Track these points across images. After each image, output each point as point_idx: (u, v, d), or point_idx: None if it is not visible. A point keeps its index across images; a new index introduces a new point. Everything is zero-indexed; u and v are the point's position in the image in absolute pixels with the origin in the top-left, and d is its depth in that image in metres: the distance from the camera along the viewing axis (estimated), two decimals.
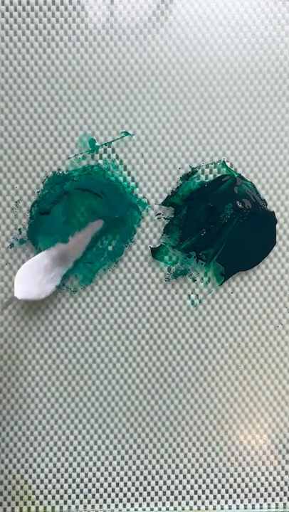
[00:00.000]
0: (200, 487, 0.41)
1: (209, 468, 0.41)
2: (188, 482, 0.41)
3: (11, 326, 0.40)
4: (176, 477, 0.41)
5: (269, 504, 0.41)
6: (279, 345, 0.41)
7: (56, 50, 0.39)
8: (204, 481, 0.41)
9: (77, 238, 0.39)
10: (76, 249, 0.39)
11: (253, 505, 0.41)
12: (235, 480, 0.41)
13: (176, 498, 0.41)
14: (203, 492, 0.41)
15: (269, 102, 0.39)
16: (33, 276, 0.37)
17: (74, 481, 0.40)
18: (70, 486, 0.40)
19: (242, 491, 0.41)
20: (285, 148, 0.40)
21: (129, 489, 0.41)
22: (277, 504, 0.41)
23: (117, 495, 0.41)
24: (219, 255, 0.39)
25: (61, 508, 0.40)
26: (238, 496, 0.41)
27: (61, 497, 0.40)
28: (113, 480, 0.41)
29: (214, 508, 0.41)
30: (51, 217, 0.39)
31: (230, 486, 0.41)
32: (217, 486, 0.41)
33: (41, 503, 0.40)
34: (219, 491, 0.41)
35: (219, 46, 0.39)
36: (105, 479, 0.41)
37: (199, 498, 0.41)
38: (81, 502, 0.40)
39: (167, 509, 0.41)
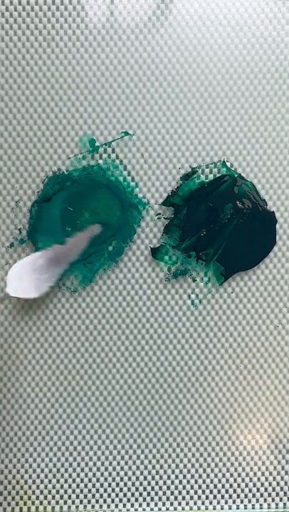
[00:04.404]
0: (200, 487, 0.41)
1: (209, 468, 0.41)
2: (188, 482, 0.41)
3: (10, 325, 0.40)
4: (176, 477, 0.41)
5: (269, 504, 0.41)
6: (279, 345, 0.41)
7: (56, 50, 0.39)
8: (204, 481, 0.41)
9: (75, 240, 0.39)
10: (73, 251, 0.39)
11: (253, 505, 0.41)
12: (235, 480, 0.41)
13: (176, 498, 0.41)
14: (203, 492, 0.41)
15: (269, 102, 0.39)
16: (27, 275, 0.37)
17: (74, 481, 0.40)
18: (70, 486, 0.40)
19: (242, 491, 0.41)
20: (285, 148, 0.40)
21: (129, 489, 0.41)
22: (277, 504, 0.41)
23: (117, 495, 0.41)
24: (219, 255, 0.39)
25: (61, 508, 0.40)
26: (238, 496, 0.41)
27: (61, 497, 0.40)
28: (113, 480, 0.41)
29: (214, 508, 0.41)
30: (51, 216, 0.39)
31: (230, 486, 0.41)
32: (217, 486, 0.41)
33: (41, 503, 0.40)
34: (219, 491, 0.41)
35: (219, 46, 0.39)
36: (105, 479, 0.41)
37: (199, 498, 0.41)
38: (81, 502, 0.40)
39: (167, 509, 0.41)
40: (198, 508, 0.41)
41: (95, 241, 0.39)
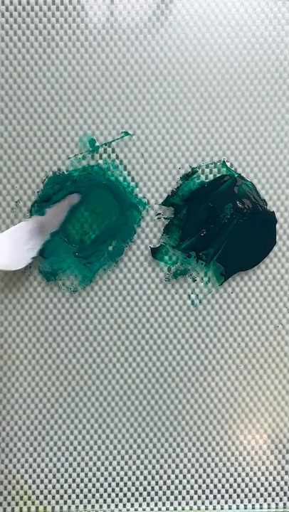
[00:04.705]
0: (200, 487, 0.41)
1: (209, 468, 0.41)
2: (188, 482, 0.41)
3: (10, 325, 0.40)
4: (176, 477, 0.41)
5: (269, 504, 0.41)
6: (279, 345, 0.41)
7: (56, 50, 0.39)
8: (204, 481, 0.41)
9: (54, 210, 0.39)
10: (53, 221, 0.39)
11: (253, 505, 0.41)
12: (235, 480, 0.41)
13: (176, 498, 0.41)
14: (203, 492, 0.41)
15: (269, 102, 0.40)
16: (8, 247, 0.37)
17: (74, 481, 0.40)
18: (70, 486, 0.40)
19: (242, 491, 0.41)
20: (285, 148, 0.40)
21: (129, 489, 0.41)
22: (277, 504, 0.41)
23: (117, 495, 0.41)
24: (219, 255, 0.39)
25: (61, 508, 0.40)
26: (238, 496, 0.41)
27: (61, 497, 0.40)
28: (113, 480, 0.41)
29: (214, 508, 0.41)
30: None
31: (230, 486, 0.41)
32: (217, 486, 0.41)
33: (41, 503, 0.40)
34: (219, 491, 0.41)
35: (219, 46, 0.39)
36: (105, 479, 0.41)
37: (199, 498, 0.41)
38: (81, 502, 0.40)
39: (167, 509, 0.41)
40: (198, 508, 0.41)
41: (73, 211, 0.39)
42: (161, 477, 0.41)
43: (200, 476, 0.41)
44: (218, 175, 0.40)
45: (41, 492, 0.40)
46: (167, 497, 0.41)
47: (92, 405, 0.40)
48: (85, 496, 0.40)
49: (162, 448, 0.41)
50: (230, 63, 0.39)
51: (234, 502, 0.41)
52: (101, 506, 0.40)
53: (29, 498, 0.40)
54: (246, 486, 0.41)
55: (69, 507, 0.40)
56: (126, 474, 0.41)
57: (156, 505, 0.41)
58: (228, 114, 0.39)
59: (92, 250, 0.39)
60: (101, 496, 0.40)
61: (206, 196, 0.39)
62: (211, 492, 0.41)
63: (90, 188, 0.39)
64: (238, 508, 0.41)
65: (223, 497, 0.41)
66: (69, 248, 0.39)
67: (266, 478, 0.41)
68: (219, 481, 0.41)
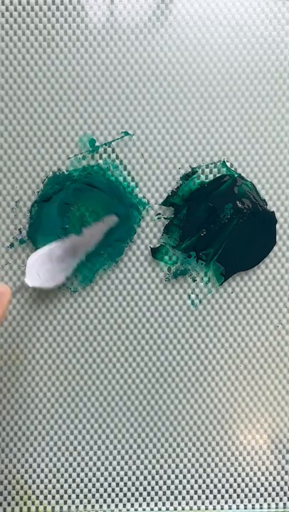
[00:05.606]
0: (200, 487, 0.41)
1: (209, 468, 0.41)
2: (188, 482, 0.41)
3: (10, 325, 0.40)
4: (176, 477, 0.41)
5: (269, 504, 0.41)
6: (279, 345, 0.41)
7: (56, 50, 0.39)
8: (204, 481, 0.41)
9: (91, 231, 0.39)
10: (89, 241, 0.39)
11: (253, 505, 0.41)
12: (235, 480, 0.41)
13: (176, 498, 0.41)
14: (203, 492, 0.41)
15: (269, 102, 0.40)
16: (44, 265, 0.37)
17: (74, 481, 0.40)
18: (70, 486, 0.40)
19: (242, 491, 0.41)
20: (285, 148, 0.40)
21: (129, 489, 0.41)
22: (277, 504, 0.41)
23: (117, 495, 0.41)
24: (219, 255, 0.39)
25: (61, 508, 0.40)
26: (238, 496, 0.41)
27: (61, 497, 0.40)
28: (113, 480, 0.41)
29: (214, 508, 0.41)
30: (51, 216, 0.39)
31: (230, 486, 0.41)
32: (217, 486, 0.41)
33: (41, 503, 0.40)
34: (219, 491, 0.41)
35: (219, 46, 0.39)
36: (105, 479, 0.41)
37: (199, 498, 0.41)
38: (81, 502, 0.40)
39: (167, 509, 0.41)
40: (198, 508, 0.41)
41: (111, 232, 0.39)
42: (161, 477, 0.41)
43: (200, 476, 0.41)
44: (218, 175, 0.40)
45: (41, 492, 0.40)
46: (167, 497, 0.41)
47: (92, 405, 0.40)
48: (85, 496, 0.40)
49: (162, 448, 0.41)
50: (230, 63, 0.39)
51: (234, 502, 0.41)
52: (101, 506, 0.40)
53: (29, 498, 0.40)
54: (246, 486, 0.41)
55: (69, 507, 0.40)
56: (126, 474, 0.41)
57: (156, 505, 0.41)
58: (228, 114, 0.39)
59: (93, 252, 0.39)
60: (101, 496, 0.40)
61: (206, 196, 0.39)
62: (211, 492, 0.41)
63: (89, 189, 0.39)
64: (238, 508, 0.41)
65: (223, 497, 0.41)
66: None
67: (266, 478, 0.41)
68: (219, 481, 0.41)
